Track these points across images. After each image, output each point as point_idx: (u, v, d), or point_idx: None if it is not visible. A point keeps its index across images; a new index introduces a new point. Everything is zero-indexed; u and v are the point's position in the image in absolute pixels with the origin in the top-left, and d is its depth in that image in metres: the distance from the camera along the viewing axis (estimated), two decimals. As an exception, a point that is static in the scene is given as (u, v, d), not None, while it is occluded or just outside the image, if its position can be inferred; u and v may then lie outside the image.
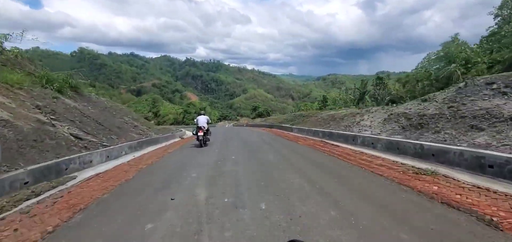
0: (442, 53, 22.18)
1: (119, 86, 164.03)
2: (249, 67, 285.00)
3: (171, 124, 51.26)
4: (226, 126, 41.58)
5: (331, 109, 24.50)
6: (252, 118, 37.36)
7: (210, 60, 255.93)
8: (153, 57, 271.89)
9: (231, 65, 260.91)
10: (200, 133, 10.76)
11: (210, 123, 12.40)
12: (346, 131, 12.13)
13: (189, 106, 59.07)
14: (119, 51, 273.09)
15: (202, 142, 10.81)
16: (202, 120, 11.21)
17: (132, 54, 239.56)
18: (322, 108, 27.89)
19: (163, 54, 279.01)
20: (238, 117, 47.13)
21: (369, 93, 24.48)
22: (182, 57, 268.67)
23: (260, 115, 37.22)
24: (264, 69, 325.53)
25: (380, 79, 27.19)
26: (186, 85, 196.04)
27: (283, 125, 19.71)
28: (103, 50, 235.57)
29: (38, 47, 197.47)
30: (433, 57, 23.09)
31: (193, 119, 47.86)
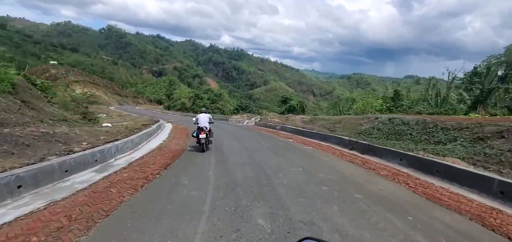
0: (503, 58, 21.24)
1: (141, 66, 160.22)
2: (272, 59, 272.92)
3: (178, 110, 42.90)
4: (245, 123, 26.16)
5: (420, 112, 14.27)
6: (280, 114, 27.48)
7: (234, 48, 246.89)
8: (178, 40, 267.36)
9: (254, 55, 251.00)
10: (202, 135, 8.86)
11: (212, 123, 9.71)
12: None
13: (206, 92, 50.37)
14: (146, 32, 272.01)
15: (205, 146, 8.95)
16: (204, 119, 9.27)
17: (158, 36, 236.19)
18: (391, 108, 17.63)
19: (188, 38, 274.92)
20: (263, 111, 35.96)
21: (495, 91, 13.89)
22: (206, 43, 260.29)
23: (291, 110, 27.24)
24: (287, 62, 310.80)
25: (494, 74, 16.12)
26: (207, 71, 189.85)
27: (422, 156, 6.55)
28: (131, 30, 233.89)
29: (69, 21, 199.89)
30: (494, 61, 21.67)
31: (204, 106, 39.37)
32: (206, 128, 9.05)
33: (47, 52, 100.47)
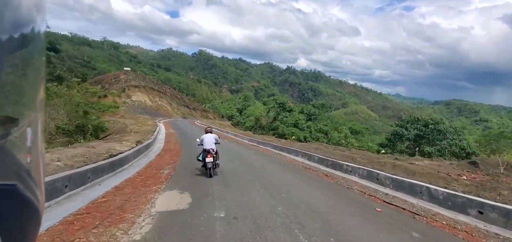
0: None
1: (222, 85, 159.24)
2: (351, 81, 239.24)
3: (249, 128, 26.11)
4: None
5: None
6: None
7: (310, 70, 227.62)
8: (257, 63, 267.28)
9: (331, 77, 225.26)
10: (209, 159, 6.70)
11: (218, 143, 7.52)
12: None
13: (291, 111, 32.43)
14: (230, 56, 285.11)
15: (212, 171, 6.72)
16: (210, 140, 7.11)
17: (240, 59, 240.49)
18: None
19: (266, 61, 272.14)
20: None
21: None
22: (283, 66, 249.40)
23: None
24: (367, 85, 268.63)
25: None
26: (283, 91, 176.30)
27: None
28: (218, 55, 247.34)
29: (171, 48, 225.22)
30: None
31: (285, 125, 21.31)
32: (213, 151, 7.08)
33: (143, 69, 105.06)
